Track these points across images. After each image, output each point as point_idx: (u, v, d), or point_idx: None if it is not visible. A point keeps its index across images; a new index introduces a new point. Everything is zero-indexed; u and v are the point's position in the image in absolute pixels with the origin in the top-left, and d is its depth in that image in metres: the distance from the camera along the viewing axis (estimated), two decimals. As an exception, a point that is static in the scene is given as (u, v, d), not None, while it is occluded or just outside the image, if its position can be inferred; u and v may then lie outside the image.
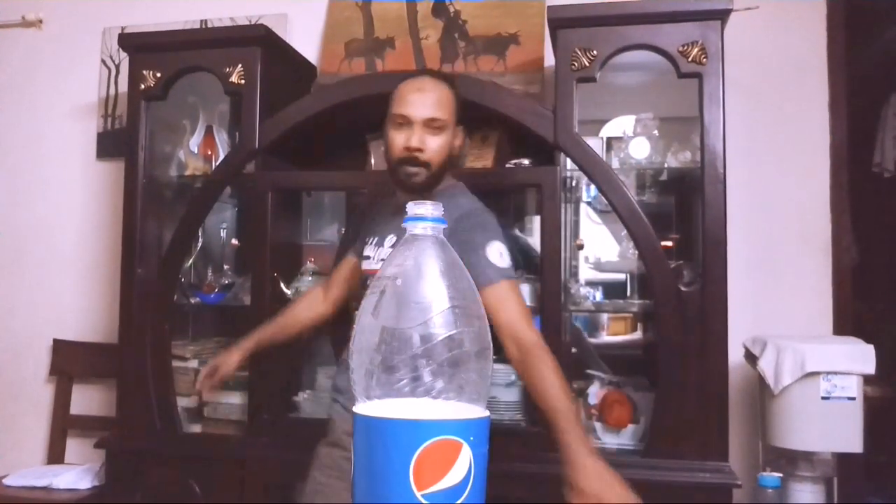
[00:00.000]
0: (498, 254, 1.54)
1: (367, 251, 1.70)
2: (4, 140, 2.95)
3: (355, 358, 0.64)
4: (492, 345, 0.65)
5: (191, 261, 2.39)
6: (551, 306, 2.00)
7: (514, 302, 1.51)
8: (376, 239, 1.69)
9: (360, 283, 1.74)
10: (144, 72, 2.31)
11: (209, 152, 2.43)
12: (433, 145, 1.59)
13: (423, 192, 1.61)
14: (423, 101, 1.58)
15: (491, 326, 1.34)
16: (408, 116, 1.58)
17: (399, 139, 1.59)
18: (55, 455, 2.68)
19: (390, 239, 1.64)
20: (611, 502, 1.25)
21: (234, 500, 2.14)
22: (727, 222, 1.94)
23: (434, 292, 0.63)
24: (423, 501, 0.58)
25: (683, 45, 1.96)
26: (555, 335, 1.94)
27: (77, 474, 2.42)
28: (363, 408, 0.62)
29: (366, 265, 1.71)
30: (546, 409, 1.39)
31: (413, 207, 0.66)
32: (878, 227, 3.64)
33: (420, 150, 1.57)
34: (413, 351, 0.61)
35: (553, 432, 1.35)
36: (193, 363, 2.36)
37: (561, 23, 2.04)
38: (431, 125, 1.58)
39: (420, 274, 0.64)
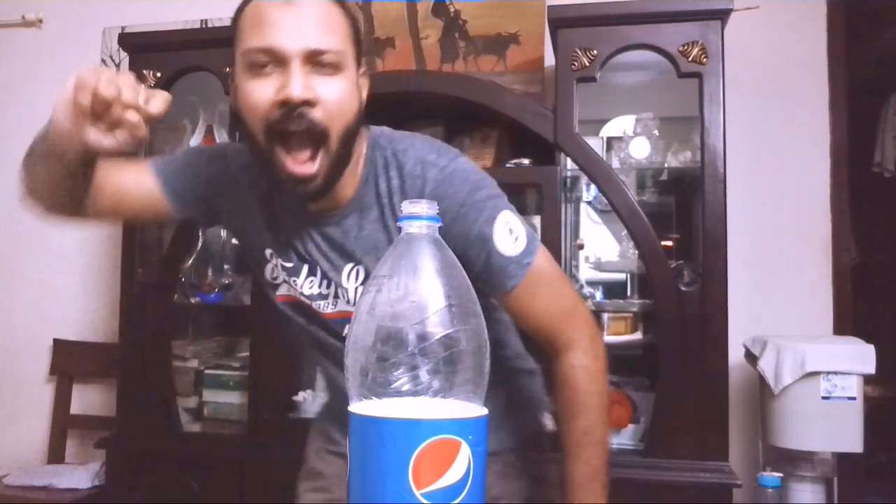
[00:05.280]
0: (507, 233, 1.05)
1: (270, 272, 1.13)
2: (4, 140, 2.95)
3: (351, 356, 0.64)
4: (489, 342, 0.65)
5: (191, 261, 2.39)
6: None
7: (540, 300, 1.05)
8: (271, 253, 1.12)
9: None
10: (144, 72, 2.31)
11: (209, 152, 2.43)
12: (329, 94, 0.94)
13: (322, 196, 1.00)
14: (298, 21, 0.93)
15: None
16: (274, 49, 0.92)
17: (264, 90, 0.93)
18: (55, 455, 2.67)
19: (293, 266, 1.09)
20: None
21: (234, 500, 2.14)
22: (727, 222, 1.94)
23: (430, 291, 0.63)
24: (423, 500, 0.58)
25: (683, 45, 1.96)
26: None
27: (77, 474, 2.42)
28: (360, 407, 0.62)
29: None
30: (571, 431, 1.04)
31: (408, 206, 0.65)
32: (878, 227, 3.64)
33: (307, 101, 0.92)
34: (410, 350, 0.61)
35: (567, 458, 1.04)
36: (193, 363, 2.36)
37: (561, 22, 2.04)
38: (318, 61, 0.93)
39: (416, 272, 0.64)
